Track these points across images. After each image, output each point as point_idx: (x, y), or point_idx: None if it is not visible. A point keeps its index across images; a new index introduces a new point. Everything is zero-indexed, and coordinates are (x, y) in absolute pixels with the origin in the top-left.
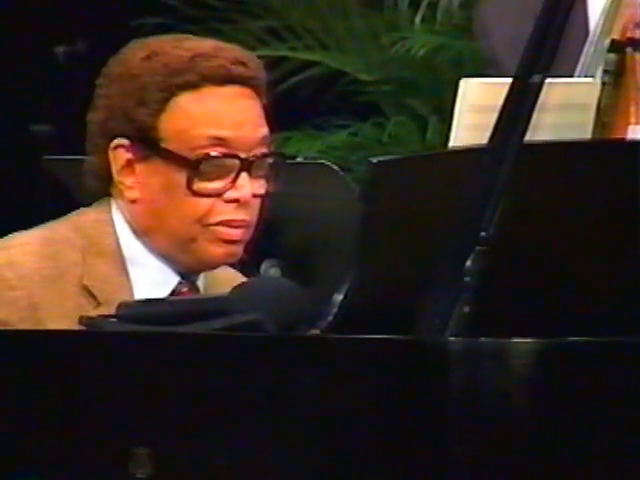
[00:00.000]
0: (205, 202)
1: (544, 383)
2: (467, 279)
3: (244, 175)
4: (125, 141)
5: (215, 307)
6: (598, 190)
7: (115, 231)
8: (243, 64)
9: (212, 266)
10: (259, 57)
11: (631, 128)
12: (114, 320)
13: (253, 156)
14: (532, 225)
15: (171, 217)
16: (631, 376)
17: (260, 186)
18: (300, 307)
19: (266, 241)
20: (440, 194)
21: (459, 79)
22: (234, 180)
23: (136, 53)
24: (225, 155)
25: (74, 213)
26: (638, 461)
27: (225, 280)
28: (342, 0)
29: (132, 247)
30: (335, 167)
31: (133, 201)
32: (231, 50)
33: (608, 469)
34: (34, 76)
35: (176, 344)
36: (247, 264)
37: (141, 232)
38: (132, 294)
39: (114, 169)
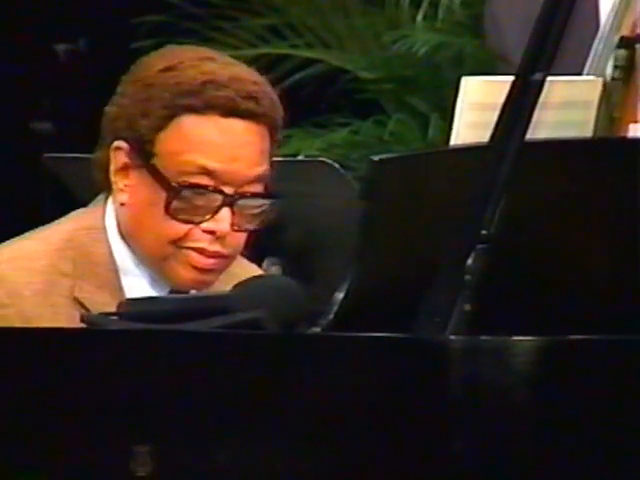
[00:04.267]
0: (182, 226)
1: (545, 381)
2: (468, 277)
3: (225, 209)
4: (125, 145)
5: (216, 305)
6: (599, 188)
7: (107, 239)
8: (254, 99)
9: (180, 288)
10: (260, 55)
11: (632, 126)
12: (116, 318)
13: (240, 193)
14: (533, 223)
15: (148, 231)
16: (631, 375)
17: (244, 221)
18: (301, 305)
19: (267, 239)
20: (441, 192)
21: (460, 77)
22: (214, 213)
23: (158, 61)
24: (208, 188)
25: (67, 218)
26: (638, 460)
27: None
28: None
29: (123, 255)
30: (336, 165)
31: (122, 204)
32: (247, 83)
33: (608, 468)
34: (35, 74)
35: (177, 342)
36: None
37: (125, 236)
38: None
39: (112, 168)
